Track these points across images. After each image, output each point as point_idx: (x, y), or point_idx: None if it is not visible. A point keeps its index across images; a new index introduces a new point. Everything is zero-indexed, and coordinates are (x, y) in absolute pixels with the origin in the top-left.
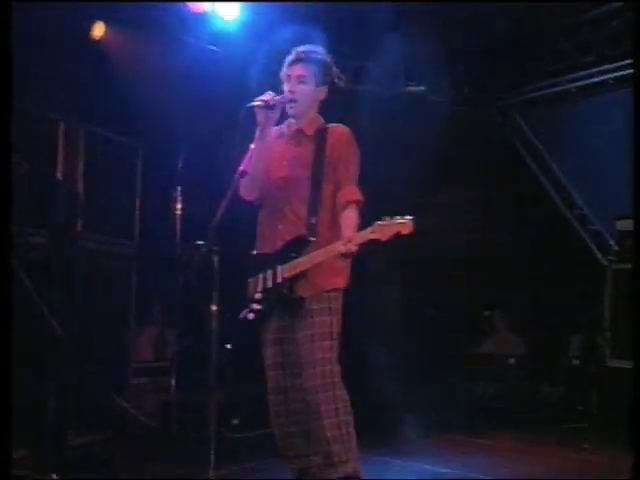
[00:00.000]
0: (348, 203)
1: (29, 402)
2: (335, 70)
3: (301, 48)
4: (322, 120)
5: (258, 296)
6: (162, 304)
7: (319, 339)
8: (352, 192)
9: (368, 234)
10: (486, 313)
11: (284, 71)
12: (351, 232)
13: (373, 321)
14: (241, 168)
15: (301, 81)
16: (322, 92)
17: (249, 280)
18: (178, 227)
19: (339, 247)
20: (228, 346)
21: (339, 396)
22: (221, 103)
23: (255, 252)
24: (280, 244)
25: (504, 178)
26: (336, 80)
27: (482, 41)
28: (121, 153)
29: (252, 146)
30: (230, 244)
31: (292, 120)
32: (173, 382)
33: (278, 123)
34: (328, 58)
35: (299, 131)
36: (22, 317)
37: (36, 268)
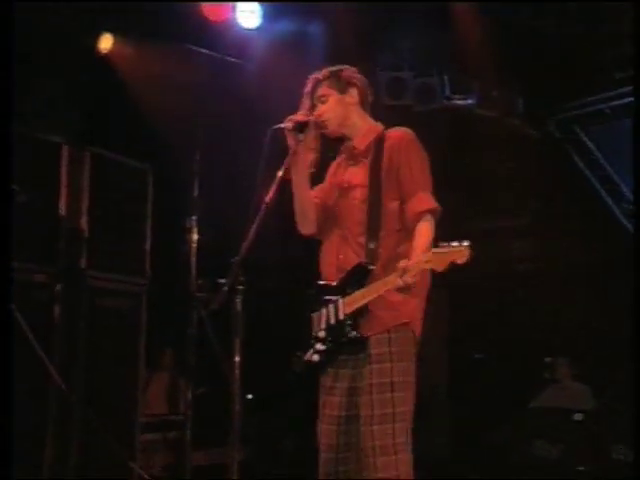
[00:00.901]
0: (419, 214)
1: (25, 459)
2: (350, 70)
3: (312, 76)
4: (380, 128)
5: (322, 334)
6: (175, 348)
7: (377, 391)
8: (422, 200)
9: (422, 263)
10: (547, 359)
11: (306, 103)
12: (420, 253)
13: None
14: (267, 198)
15: (322, 101)
16: (349, 96)
17: (313, 315)
18: (194, 261)
19: (395, 279)
20: (249, 396)
21: (401, 460)
22: (243, 121)
23: (319, 283)
24: (340, 275)
25: (562, 202)
26: (356, 81)
27: (538, 47)
28: (130, 178)
29: (279, 173)
30: (256, 282)
31: (348, 143)
32: (187, 438)
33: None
34: (343, 67)
35: (352, 148)
36: (18, 364)
37: (35, 309)
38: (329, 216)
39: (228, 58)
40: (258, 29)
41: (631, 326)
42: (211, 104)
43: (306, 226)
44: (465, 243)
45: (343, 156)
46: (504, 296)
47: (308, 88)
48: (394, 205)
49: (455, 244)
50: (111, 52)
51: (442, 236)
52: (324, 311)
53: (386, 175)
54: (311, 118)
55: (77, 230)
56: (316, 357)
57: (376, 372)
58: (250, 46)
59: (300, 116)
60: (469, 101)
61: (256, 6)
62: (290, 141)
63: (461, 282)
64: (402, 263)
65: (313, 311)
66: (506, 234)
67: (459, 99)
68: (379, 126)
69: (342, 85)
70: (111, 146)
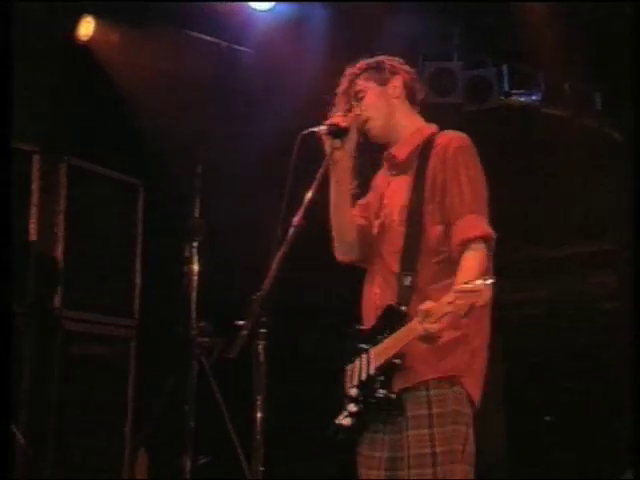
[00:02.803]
0: (466, 242)
1: None
2: (393, 60)
3: (347, 71)
4: (430, 130)
5: (354, 392)
6: (170, 406)
7: (415, 465)
8: (471, 225)
9: (445, 306)
10: None
11: (339, 101)
12: (457, 292)
13: None
14: (295, 219)
15: (360, 97)
16: (391, 87)
17: (347, 368)
18: (194, 299)
19: (415, 326)
20: (261, 468)
21: None
22: (256, 124)
23: (356, 327)
24: (375, 317)
25: None
26: (399, 69)
27: (619, 28)
28: (116, 195)
29: (308, 194)
30: (283, 325)
31: (389, 149)
32: None
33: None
34: (382, 57)
35: (390, 158)
36: None
37: None
38: (371, 240)
39: (235, 47)
40: (271, 11)
41: None
42: (215, 103)
43: (345, 251)
44: (488, 281)
45: (385, 165)
46: (580, 343)
47: (344, 85)
48: (437, 230)
49: (478, 282)
50: (93, 39)
51: (510, 263)
52: (357, 363)
53: (430, 192)
54: (352, 121)
55: (50, 260)
56: (348, 420)
57: (413, 441)
58: (262, 32)
59: (339, 118)
60: (533, 97)
61: None
62: (327, 148)
63: (519, 323)
64: (423, 305)
65: (350, 361)
66: (583, 263)
67: (521, 95)
68: (430, 128)
69: (383, 75)
70: (93, 156)
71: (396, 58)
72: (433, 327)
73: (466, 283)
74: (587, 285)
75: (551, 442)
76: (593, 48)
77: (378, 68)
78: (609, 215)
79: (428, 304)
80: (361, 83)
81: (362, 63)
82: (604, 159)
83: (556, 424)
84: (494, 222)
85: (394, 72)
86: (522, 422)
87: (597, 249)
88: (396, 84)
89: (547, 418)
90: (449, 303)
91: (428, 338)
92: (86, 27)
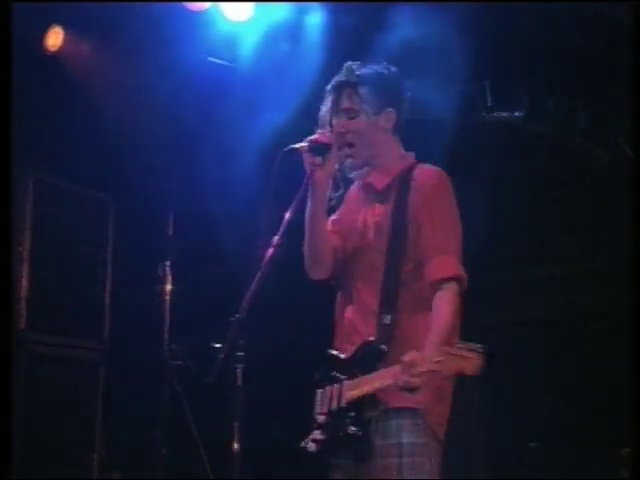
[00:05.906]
0: (437, 283)
1: None
2: (394, 75)
3: (344, 69)
4: (408, 161)
5: (322, 420)
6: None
7: None
8: (442, 265)
9: (431, 364)
10: (625, 450)
11: (328, 104)
12: (436, 342)
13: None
14: (276, 238)
15: (351, 116)
16: (385, 119)
17: (318, 392)
18: (167, 320)
19: (398, 375)
20: None
21: None
22: (232, 141)
23: (330, 352)
24: (352, 348)
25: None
26: (396, 97)
27: (605, 41)
28: (85, 212)
29: (287, 214)
30: (262, 347)
31: (367, 176)
32: None
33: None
34: (387, 71)
35: (367, 186)
36: None
37: None
38: (343, 261)
39: (212, 59)
40: (250, 22)
41: None
42: (191, 118)
43: (318, 271)
44: (478, 348)
45: (361, 186)
46: (567, 363)
47: (333, 95)
48: (409, 266)
49: (470, 346)
50: (62, 51)
51: (483, 285)
52: (328, 390)
53: (411, 228)
54: (335, 139)
55: (15, 280)
56: (312, 446)
57: (381, 470)
58: (240, 44)
59: (321, 136)
60: (516, 114)
61: None
62: (307, 165)
63: (501, 342)
64: (408, 356)
65: (320, 385)
66: (568, 283)
67: (504, 111)
68: (408, 158)
69: (380, 101)
70: (61, 171)
71: (394, 71)
72: (415, 382)
73: (459, 346)
74: (572, 306)
75: (538, 471)
76: (577, 64)
77: (378, 89)
78: (594, 231)
79: (412, 355)
80: (355, 100)
81: (363, 71)
82: (591, 177)
83: (543, 450)
84: (476, 244)
85: (391, 101)
86: (504, 447)
87: (583, 269)
88: (390, 117)
89: (531, 444)
90: (437, 362)
91: (408, 390)
92: (54, 38)
